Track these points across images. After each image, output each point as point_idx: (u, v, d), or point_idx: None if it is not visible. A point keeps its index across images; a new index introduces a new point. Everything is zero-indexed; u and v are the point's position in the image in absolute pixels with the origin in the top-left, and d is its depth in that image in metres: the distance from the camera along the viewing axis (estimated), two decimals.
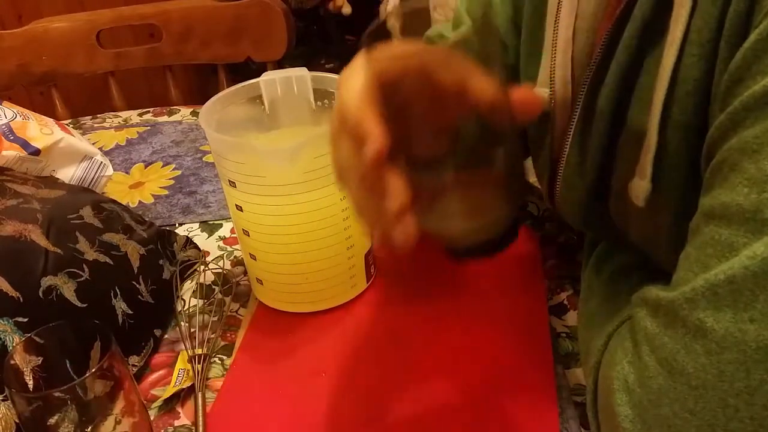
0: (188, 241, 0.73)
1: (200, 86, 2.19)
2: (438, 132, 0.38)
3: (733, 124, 0.34)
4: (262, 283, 0.63)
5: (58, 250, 0.57)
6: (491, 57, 0.36)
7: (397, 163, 0.37)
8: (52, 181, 0.75)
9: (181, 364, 0.59)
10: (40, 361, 0.46)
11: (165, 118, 1.08)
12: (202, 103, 0.59)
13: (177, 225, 0.79)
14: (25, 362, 0.46)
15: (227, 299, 0.66)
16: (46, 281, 0.55)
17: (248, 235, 0.60)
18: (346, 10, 2.27)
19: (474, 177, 0.40)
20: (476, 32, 0.37)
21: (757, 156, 0.32)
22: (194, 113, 1.09)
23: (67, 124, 0.98)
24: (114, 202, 0.71)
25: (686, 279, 0.35)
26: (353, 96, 0.37)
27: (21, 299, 0.53)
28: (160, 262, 0.67)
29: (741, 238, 0.32)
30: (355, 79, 0.38)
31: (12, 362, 0.45)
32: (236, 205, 0.59)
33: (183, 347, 0.61)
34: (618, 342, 0.41)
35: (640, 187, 0.42)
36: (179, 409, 0.56)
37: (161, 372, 0.60)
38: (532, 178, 0.71)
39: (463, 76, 0.36)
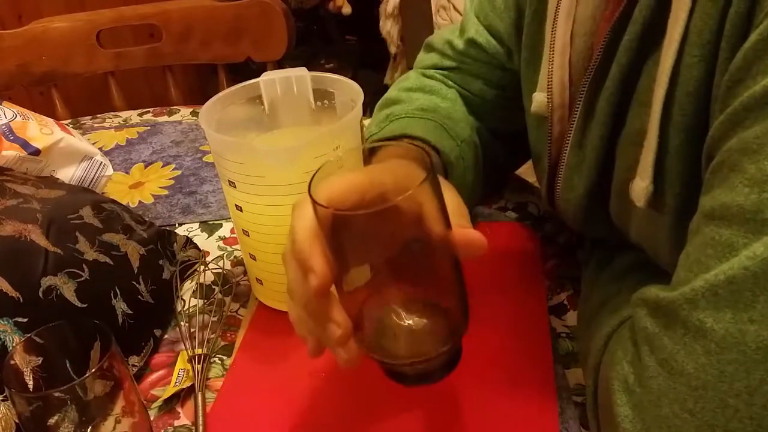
0: (188, 241, 0.73)
1: (200, 86, 2.19)
2: (383, 257, 0.39)
3: (733, 125, 0.34)
4: (262, 283, 0.63)
5: (58, 250, 0.57)
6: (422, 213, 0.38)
7: (340, 286, 0.39)
8: (52, 181, 0.75)
9: (181, 364, 0.59)
10: (40, 361, 0.46)
11: (165, 118, 1.08)
12: (202, 103, 0.59)
13: (177, 225, 0.79)
14: (25, 362, 0.46)
15: (227, 299, 0.66)
16: (46, 281, 0.55)
17: (248, 235, 0.60)
18: (346, 10, 2.27)
19: (412, 321, 0.41)
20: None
21: (757, 156, 0.32)
22: (194, 113, 1.09)
23: (67, 124, 0.98)
24: (114, 202, 0.71)
25: (686, 279, 0.35)
26: (302, 229, 0.39)
27: (21, 299, 0.53)
28: (160, 262, 0.67)
29: (741, 238, 0.32)
30: (305, 213, 0.39)
31: (12, 362, 0.45)
32: (236, 205, 0.59)
33: (183, 347, 0.61)
34: (618, 342, 0.41)
35: (641, 188, 0.42)
36: (179, 409, 0.56)
37: (161, 372, 0.60)
38: (532, 179, 0.71)
39: (417, 208, 0.37)
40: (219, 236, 0.77)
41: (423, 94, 0.67)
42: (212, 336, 0.62)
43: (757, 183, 0.32)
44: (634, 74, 0.43)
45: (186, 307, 0.66)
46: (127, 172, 0.91)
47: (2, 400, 0.50)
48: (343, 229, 0.38)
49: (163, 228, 0.73)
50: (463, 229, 0.39)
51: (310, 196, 0.37)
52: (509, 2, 0.59)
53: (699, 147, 0.38)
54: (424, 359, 0.41)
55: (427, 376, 0.42)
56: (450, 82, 0.68)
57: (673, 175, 0.41)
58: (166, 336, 0.64)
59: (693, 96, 0.38)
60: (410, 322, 0.41)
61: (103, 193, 0.85)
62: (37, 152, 0.77)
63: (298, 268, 0.40)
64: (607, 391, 0.40)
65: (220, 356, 0.61)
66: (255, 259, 0.62)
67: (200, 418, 0.54)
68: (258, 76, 0.62)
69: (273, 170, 0.55)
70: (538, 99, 0.53)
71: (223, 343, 0.62)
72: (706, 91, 0.38)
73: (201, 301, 0.66)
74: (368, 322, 0.40)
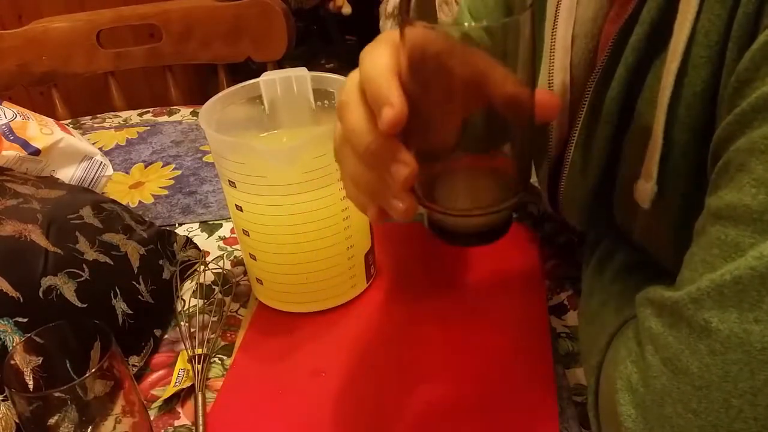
0: (188, 241, 0.73)
1: (200, 86, 2.19)
2: (449, 123, 0.37)
3: (740, 125, 0.34)
4: (262, 283, 0.63)
5: (58, 250, 0.57)
6: (515, 52, 0.36)
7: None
8: (52, 181, 0.75)
9: (181, 364, 0.59)
10: (40, 361, 0.46)
11: (165, 118, 1.08)
12: (202, 103, 0.59)
13: (177, 225, 0.79)
14: (25, 362, 0.45)
15: (227, 299, 0.66)
16: (46, 281, 0.55)
17: (248, 235, 0.60)
18: (346, 10, 2.27)
19: (479, 163, 0.39)
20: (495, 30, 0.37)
21: (764, 156, 0.32)
22: (194, 113, 1.09)
23: (67, 124, 0.98)
24: (114, 202, 0.71)
25: (691, 279, 0.35)
26: (379, 66, 0.37)
27: (21, 299, 0.53)
28: (160, 262, 0.67)
29: (747, 238, 0.32)
30: (380, 52, 0.37)
31: (12, 362, 0.45)
32: (236, 205, 0.59)
33: (183, 347, 0.61)
34: (621, 341, 0.41)
35: (645, 189, 0.42)
36: (179, 409, 0.56)
37: (161, 372, 0.60)
38: (533, 179, 0.71)
39: (484, 68, 0.35)
40: (219, 236, 0.77)
41: None
42: (212, 336, 0.62)
43: (764, 183, 0.32)
44: (641, 74, 0.43)
45: (186, 307, 0.66)
46: (127, 172, 0.91)
47: (2, 400, 0.49)
48: (428, 71, 0.36)
49: (163, 228, 0.73)
50: (545, 89, 0.37)
51: (407, 20, 0.35)
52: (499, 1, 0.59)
53: (704, 148, 0.38)
54: (480, 212, 0.39)
55: (479, 235, 0.41)
56: None
57: (677, 175, 0.41)
58: (166, 336, 0.64)
59: (700, 96, 0.38)
60: (473, 172, 0.39)
61: (103, 193, 0.85)
62: (37, 152, 0.77)
63: (365, 110, 0.37)
64: (610, 390, 0.40)
65: (220, 356, 0.60)
66: (255, 259, 0.62)
67: (200, 418, 0.53)
68: (258, 76, 0.62)
69: (273, 170, 0.55)
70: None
71: (223, 343, 0.62)
72: (713, 91, 0.38)
73: (201, 301, 0.66)
74: (427, 172, 0.38)
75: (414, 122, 0.36)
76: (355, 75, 0.40)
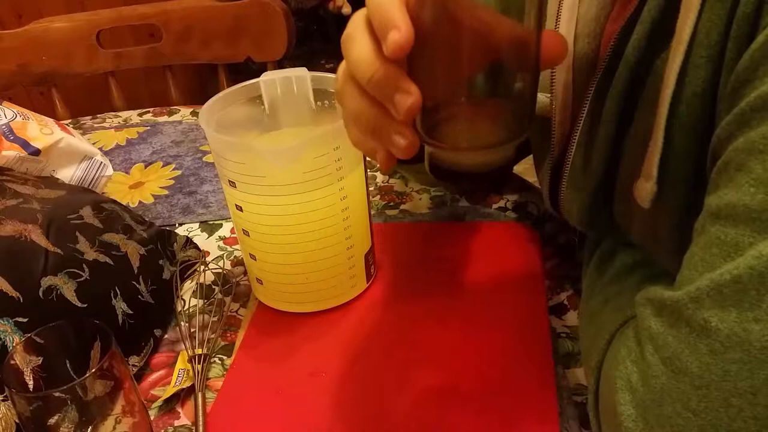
0: (188, 241, 0.73)
1: (200, 86, 2.19)
2: (454, 60, 0.37)
3: (739, 125, 0.34)
4: (262, 283, 0.63)
5: (58, 250, 0.57)
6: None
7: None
8: (52, 181, 0.75)
9: (181, 364, 0.59)
10: (40, 361, 0.46)
11: (165, 118, 1.08)
12: (202, 103, 0.59)
13: (177, 225, 0.79)
14: (25, 362, 0.45)
15: (227, 299, 0.66)
16: (46, 281, 0.55)
17: (248, 235, 0.60)
18: (346, 10, 2.27)
19: (482, 102, 0.39)
20: None
21: (763, 156, 0.32)
22: (194, 113, 1.09)
23: (67, 124, 0.98)
24: (114, 202, 0.71)
25: (691, 278, 0.35)
26: None
27: (21, 299, 0.53)
28: (160, 262, 0.67)
29: (747, 237, 0.32)
30: None
31: (12, 362, 0.45)
32: (236, 205, 0.59)
33: (183, 347, 0.61)
34: (621, 341, 0.41)
35: (645, 189, 0.42)
36: (179, 409, 0.56)
37: (161, 372, 0.60)
38: (532, 179, 0.71)
39: (489, 16, 0.35)
40: (219, 236, 0.77)
41: None
42: (212, 336, 0.62)
43: (763, 183, 0.32)
44: (642, 74, 0.43)
45: (186, 307, 0.66)
46: (127, 172, 0.91)
47: (2, 400, 0.49)
48: (436, 6, 0.35)
49: (163, 228, 0.73)
50: (552, 30, 0.37)
51: None
52: None
53: (704, 147, 0.38)
54: (482, 146, 0.39)
55: (480, 176, 0.41)
56: None
57: (677, 175, 0.41)
58: (166, 336, 0.64)
59: (700, 96, 0.38)
60: (476, 111, 0.39)
61: (103, 193, 0.85)
62: (37, 152, 0.77)
63: (370, 39, 0.37)
64: (609, 390, 0.40)
65: (220, 356, 0.60)
66: (255, 259, 0.62)
67: (200, 418, 0.53)
68: (258, 76, 0.62)
69: (273, 170, 0.55)
70: (539, 99, 0.53)
71: (223, 343, 0.62)
72: (713, 91, 0.38)
73: (201, 301, 0.66)
74: (431, 109, 0.38)
75: (419, 59, 0.36)
76: (361, 11, 0.39)
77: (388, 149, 0.40)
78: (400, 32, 0.35)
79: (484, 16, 0.35)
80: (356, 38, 0.39)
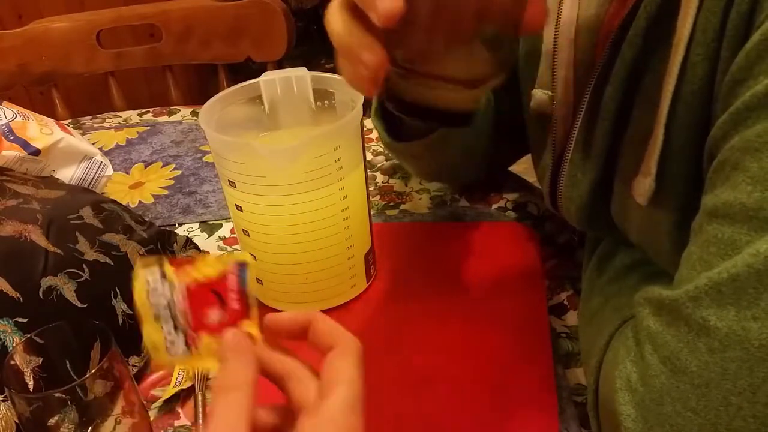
0: (188, 241, 0.73)
1: (200, 86, 2.19)
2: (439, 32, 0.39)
3: (735, 124, 0.34)
4: (262, 283, 0.63)
5: (58, 251, 0.57)
6: None
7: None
8: (52, 181, 0.75)
9: None
10: (40, 362, 0.46)
11: (165, 118, 1.08)
12: (202, 103, 0.59)
13: (177, 225, 0.79)
14: (25, 362, 0.45)
15: None
16: (46, 281, 0.55)
17: (248, 235, 0.60)
18: None
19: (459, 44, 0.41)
20: None
21: (759, 154, 0.32)
22: (194, 113, 1.09)
23: (67, 124, 0.98)
24: (114, 202, 0.71)
25: (689, 277, 0.35)
26: None
27: (21, 299, 0.53)
28: None
29: (744, 236, 0.32)
30: None
31: (12, 362, 0.45)
32: (236, 205, 0.59)
33: None
34: (620, 341, 0.41)
35: (644, 186, 0.42)
36: (179, 409, 0.56)
37: (161, 372, 0.60)
38: (532, 179, 0.71)
39: None
40: (219, 236, 0.77)
41: None
42: None
43: (759, 181, 0.32)
44: (639, 72, 0.43)
45: None
46: (127, 172, 0.91)
47: (2, 401, 0.49)
48: None
49: (163, 228, 0.73)
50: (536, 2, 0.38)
51: None
52: None
53: (702, 146, 0.38)
54: (456, 79, 0.41)
55: (440, 113, 0.42)
56: None
57: (676, 173, 0.41)
58: None
59: (697, 94, 0.38)
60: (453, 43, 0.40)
61: (103, 193, 0.85)
62: (37, 152, 0.77)
63: None
64: (609, 389, 0.40)
65: None
66: (255, 259, 0.62)
67: (200, 418, 0.53)
68: (258, 76, 0.62)
69: (273, 170, 0.55)
70: (538, 96, 0.53)
71: None
72: (710, 89, 0.38)
73: None
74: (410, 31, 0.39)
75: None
76: None
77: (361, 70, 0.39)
78: None
79: None
80: None
